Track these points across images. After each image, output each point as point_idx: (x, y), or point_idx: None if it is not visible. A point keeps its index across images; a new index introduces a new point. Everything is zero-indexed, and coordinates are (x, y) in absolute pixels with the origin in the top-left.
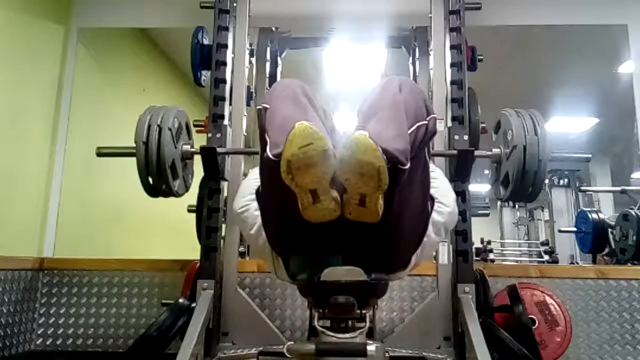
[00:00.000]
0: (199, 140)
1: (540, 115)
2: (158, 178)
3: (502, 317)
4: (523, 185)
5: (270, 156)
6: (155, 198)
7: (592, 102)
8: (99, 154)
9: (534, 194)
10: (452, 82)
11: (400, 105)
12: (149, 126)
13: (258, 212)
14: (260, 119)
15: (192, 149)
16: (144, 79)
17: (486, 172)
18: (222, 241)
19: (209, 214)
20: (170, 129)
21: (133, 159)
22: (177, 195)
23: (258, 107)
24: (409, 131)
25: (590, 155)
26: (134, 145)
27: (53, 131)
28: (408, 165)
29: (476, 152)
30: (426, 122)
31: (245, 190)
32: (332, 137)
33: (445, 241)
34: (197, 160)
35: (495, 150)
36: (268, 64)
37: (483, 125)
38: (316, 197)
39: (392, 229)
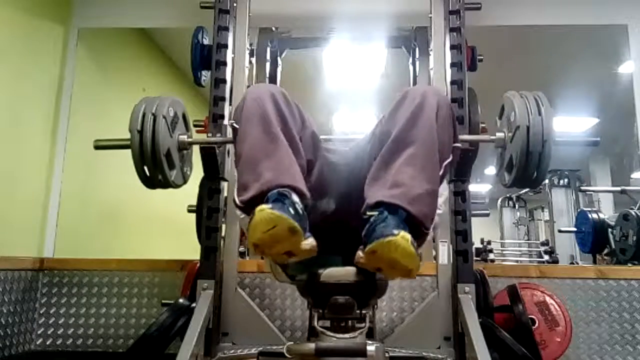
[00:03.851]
0: None
1: (544, 97)
2: (153, 167)
3: (502, 317)
4: (527, 168)
5: (237, 201)
6: (153, 190)
7: (592, 102)
8: (97, 147)
9: (539, 178)
10: (452, 82)
11: (436, 143)
12: (144, 115)
13: None
14: (233, 138)
15: (189, 139)
16: (144, 79)
17: (487, 172)
18: (222, 241)
19: (209, 214)
20: (165, 117)
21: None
22: (175, 185)
23: (230, 121)
24: (440, 173)
25: (599, 139)
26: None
27: (53, 131)
28: (431, 231)
29: (479, 137)
30: (451, 157)
31: None
32: (314, 143)
33: (445, 241)
34: (196, 155)
35: (499, 134)
36: (268, 64)
37: (483, 125)
38: (292, 255)
39: None
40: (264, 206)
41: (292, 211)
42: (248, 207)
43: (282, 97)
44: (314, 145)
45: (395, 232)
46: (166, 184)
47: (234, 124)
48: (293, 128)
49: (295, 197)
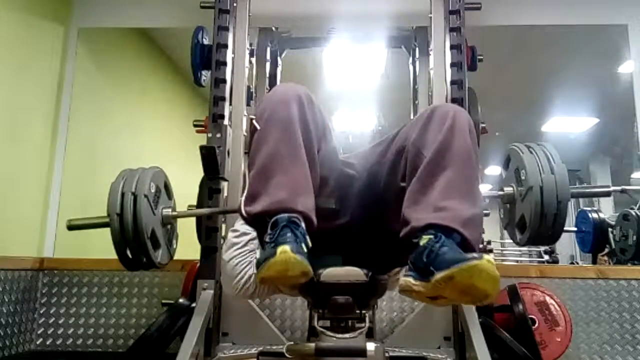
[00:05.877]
0: (199, 140)
1: (554, 150)
2: (137, 250)
3: (502, 317)
4: (542, 228)
5: (243, 212)
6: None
7: (592, 102)
8: (70, 227)
9: (555, 237)
10: (452, 82)
11: (474, 168)
12: (123, 194)
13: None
14: (250, 135)
15: (174, 213)
16: (144, 79)
17: (487, 172)
18: (222, 241)
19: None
20: (146, 196)
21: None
22: (160, 266)
23: (251, 116)
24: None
25: (611, 190)
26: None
27: (53, 131)
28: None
29: (486, 193)
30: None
31: (231, 243)
32: (330, 157)
33: None
34: (196, 155)
35: (508, 190)
36: (268, 64)
37: (483, 125)
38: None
39: (397, 238)
40: (286, 248)
41: (304, 250)
42: (253, 221)
43: (309, 103)
44: (331, 160)
45: (477, 255)
46: (151, 265)
47: (255, 123)
48: (314, 140)
49: (303, 227)
